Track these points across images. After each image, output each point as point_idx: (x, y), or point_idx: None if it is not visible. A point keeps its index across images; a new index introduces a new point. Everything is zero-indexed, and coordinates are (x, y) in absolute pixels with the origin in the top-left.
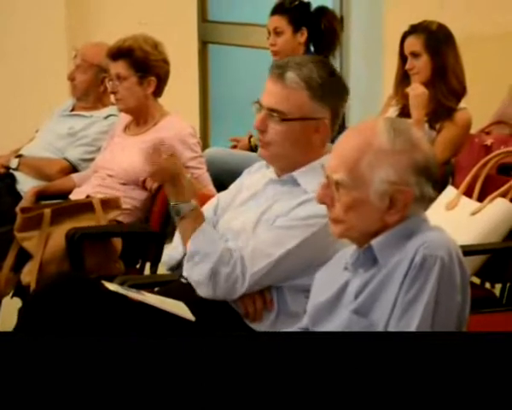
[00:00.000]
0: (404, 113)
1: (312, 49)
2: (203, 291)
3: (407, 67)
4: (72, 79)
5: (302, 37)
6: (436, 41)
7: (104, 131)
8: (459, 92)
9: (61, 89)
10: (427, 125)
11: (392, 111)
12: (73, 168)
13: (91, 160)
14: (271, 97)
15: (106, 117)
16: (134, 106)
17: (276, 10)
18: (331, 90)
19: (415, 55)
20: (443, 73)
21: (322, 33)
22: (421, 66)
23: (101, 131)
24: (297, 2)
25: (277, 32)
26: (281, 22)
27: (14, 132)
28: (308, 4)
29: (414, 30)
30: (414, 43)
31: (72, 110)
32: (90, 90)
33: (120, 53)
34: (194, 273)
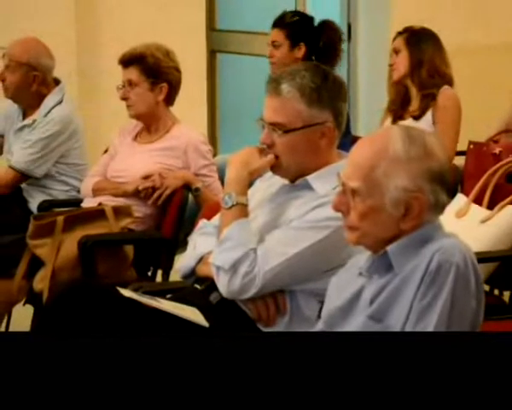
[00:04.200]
0: (398, 117)
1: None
2: (221, 279)
3: (389, 63)
4: (2, 79)
5: (299, 52)
6: (416, 38)
7: (47, 129)
8: (438, 80)
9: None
10: (430, 120)
11: (389, 121)
12: (23, 174)
13: (40, 158)
14: (271, 111)
15: (45, 115)
16: (145, 112)
17: (276, 24)
18: (327, 92)
19: (396, 51)
20: (419, 64)
21: (321, 49)
22: (399, 60)
23: (45, 129)
24: (297, 18)
25: (275, 45)
26: (279, 36)
27: None
28: (310, 19)
29: (400, 32)
30: (397, 42)
31: (24, 117)
32: (22, 91)
33: (132, 59)
34: (220, 258)
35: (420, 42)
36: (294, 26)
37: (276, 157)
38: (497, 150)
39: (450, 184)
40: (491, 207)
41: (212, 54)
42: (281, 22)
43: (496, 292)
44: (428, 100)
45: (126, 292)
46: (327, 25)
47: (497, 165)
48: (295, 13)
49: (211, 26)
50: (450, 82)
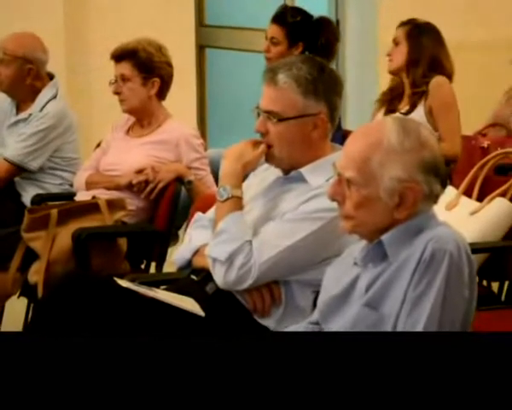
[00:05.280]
0: (389, 111)
1: None
2: (217, 271)
3: (387, 53)
4: None
5: (297, 51)
6: (418, 31)
7: (42, 122)
8: (432, 77)
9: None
10: (422, 112)
11: (382, 113)
12: (18, 167)
13: (35, 151)
14: (267, 100)
15: (41, 109)
16: (138, 106)
17: (277, 19)
18: (323, 84)
19: (396, 43)
20: (416, 63)
21: (319, 48)
22: (397, 52)
23: (40, 123)
24: (299, 18)
25: (274, 42)
26: (279, 33)
27: None
28: (310, 17)
29: (402, 23)
30: (398, 33)
31: (17, 111)
32: (17, 85)
33: (124, 54)
34: (216, 250)
35: (420, 36)
36: (296, 26)
37: (269, 147)
38: (485, 144)
39: (443, 174)
40: (480, 199)
41: (200, 49)
42: (281, 19)
43: (484, 283)
44: (417, 96)
45: (124, 282)
46: (325, 22)
47: (486, 158)
48: (297, 11)
49: (200, 22)
50: (449, 77)
